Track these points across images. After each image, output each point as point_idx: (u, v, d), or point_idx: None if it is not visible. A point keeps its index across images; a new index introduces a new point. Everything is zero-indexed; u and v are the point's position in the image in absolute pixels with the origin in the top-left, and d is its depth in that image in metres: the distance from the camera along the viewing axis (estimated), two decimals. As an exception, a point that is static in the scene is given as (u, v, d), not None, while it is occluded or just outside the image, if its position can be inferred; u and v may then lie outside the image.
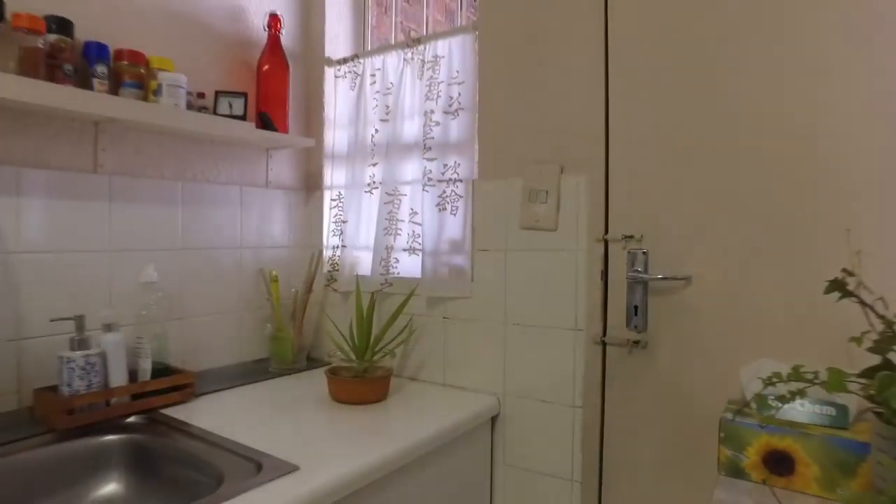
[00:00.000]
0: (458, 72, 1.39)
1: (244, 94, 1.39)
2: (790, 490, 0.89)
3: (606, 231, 1.18)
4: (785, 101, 0.99)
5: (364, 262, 1.57)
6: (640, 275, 1.12)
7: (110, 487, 1.04)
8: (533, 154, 1.27)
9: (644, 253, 1.12)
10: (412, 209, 1.46)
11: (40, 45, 1.03)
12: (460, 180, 1.38)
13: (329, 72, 1.66)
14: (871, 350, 0.68)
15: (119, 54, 1.19)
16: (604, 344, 1.18)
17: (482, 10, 1.36)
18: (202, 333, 1.43)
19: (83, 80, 1.13)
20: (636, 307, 1.12)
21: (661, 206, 1.12)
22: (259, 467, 0.91)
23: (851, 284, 0.72)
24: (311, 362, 1.60)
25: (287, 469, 0.90)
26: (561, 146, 1.24)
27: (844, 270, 0.73)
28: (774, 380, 0.72)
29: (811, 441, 0.87)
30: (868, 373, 0.66)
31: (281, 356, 1.52)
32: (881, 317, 0.69)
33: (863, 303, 0.70)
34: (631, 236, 1.15)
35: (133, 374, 1.18)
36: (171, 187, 1.35)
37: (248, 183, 1.54)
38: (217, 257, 1.46)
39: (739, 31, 1.03)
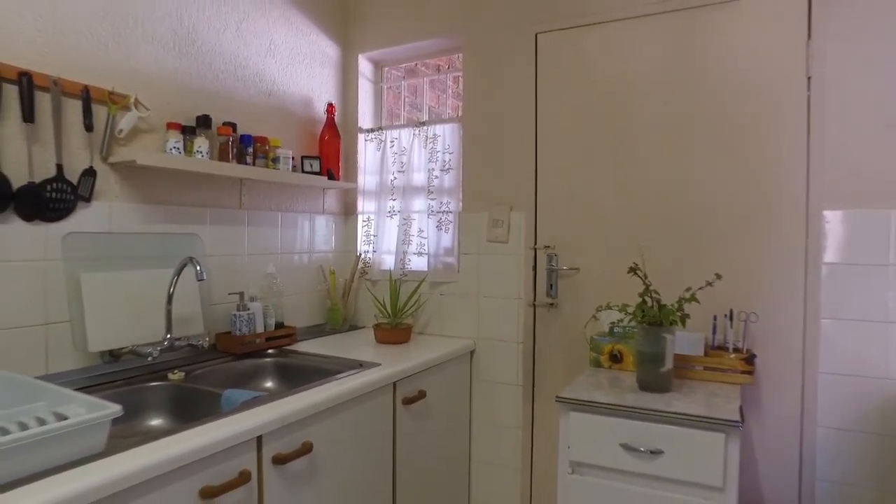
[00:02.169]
0: (449, 145, 2.31)
1: (318, 157, 2.27)
2: (621, 370, 1.84)
3: (535, 243, 2.12)
4: (619, 178, 1.95)
5: (387, 262, 2.46)
6: (553, 267, 2.06)
7: (269, 384, 1.90)
8: (494, 198, 2.20)
9: (555, 255, 2.07)
10: (420, 228, 2.36)
11: (228, 141, 1.88)
12: (451, 212, 2.30)
13: (361, 137, 2.54)
14: (640, 295, 1.63)
15: (256, 139, 2.03)
16: (534, 306, 2.12)
17: (464, 110, 2.27)
18: (290, 305, 2.29)
19: (240, 157, 1.97)
20: (551, 285, 2.07)
21: (564, 230, 2.06)
22: (361, 364, 1.79)
23: (638, 269, 1.66)
24: (352, 327, 2.48)
25: (376, 365, 1.78)
26: (510, 194, 2.17)
27: (634, 263, 1.68)
28: (601, 307, 1.67)
29: (629, 344, 1.83)
30: (637, 305, 1.61)
31: (334, 321, 2.39)
32: (644, 283, 1.64)
33: (638, 276, 1.65)
34: (549, 246, 2.09)
35: (265, 326, 2.04)
36: (275, 216, 2.21)
37: (313, 211, 2.40)
38: (296, 258, 2.32)
39: (610, 130, 1.99)
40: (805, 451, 1.73)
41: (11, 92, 1.39)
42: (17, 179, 1.40)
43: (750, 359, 1.69)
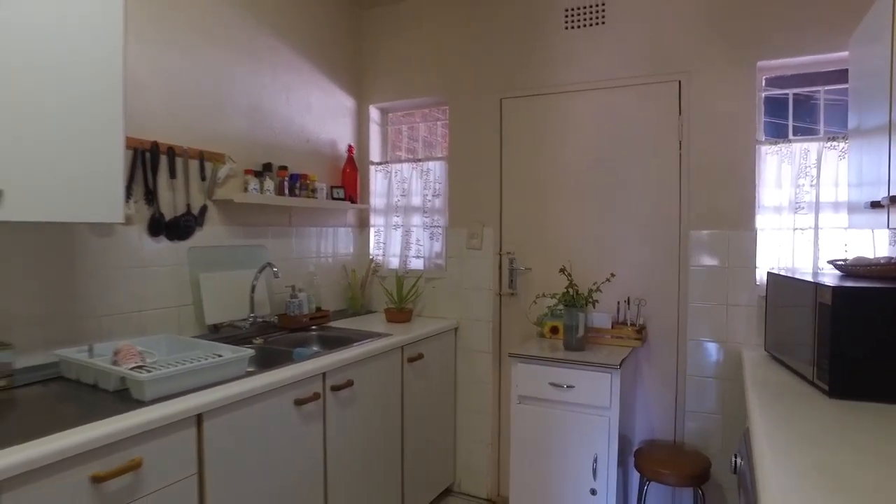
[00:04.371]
0: (438, 177, 3.14)
1: (342, 186, 3.09)
2: (557, 339, 2.69)
3: (500, 250, 2.96)
4: (557, 205, 2.79)
5: (393, 262, 3.29)
6: (513, 267, 2.91)
7: (315, 347, 2.72)
8: (471, 217, 3.03)
9: (514, 258, 2.91)
10: (417, 238, 3.20)
11: (284, 180, 2.70)
12: (440, 226, 3.13)
13: (372, 168, 3.37)
14: (566, 288, 2.47)
15: (301, 176, 2.85)
16: (500, 295, 2.97)
17: (449, 151, 3.10)
18: (324, 295, 3.11)
19: (291, 191, 2.78)
20: (511, 280, 2.91)
21: (520, 241, 2.90)
22: (379, 334, 2.62)
23: (565, 270, 2.50)
24: (367, 311, 3.31)
25: (390, 335, 2.61)
26: (483, 214, 3.00)
27: (563, 266, 2.52)
28: (538, 295, 2.52)
29: (560, 321, 2.67)
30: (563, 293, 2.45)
31: (354, 307, 3.22)
32: (568, 279, 2.47)
33: (565, 274, 2.49)
34: (510, 252, 2.93)
35: (308, 309, 2.85)
36: (313, 230, 3.03)
37: (337, 225, 3.22)
38: (326, 261, 3.14)
39: (552, 170, 2.83)
40: (679, 392, 2.59)
41: (163, 159, 2.20)
42: (168, 214, 2.22)
43: (640, 329, 2.54)
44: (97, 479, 1.33)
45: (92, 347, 1.77)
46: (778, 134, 2.53)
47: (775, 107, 2.57)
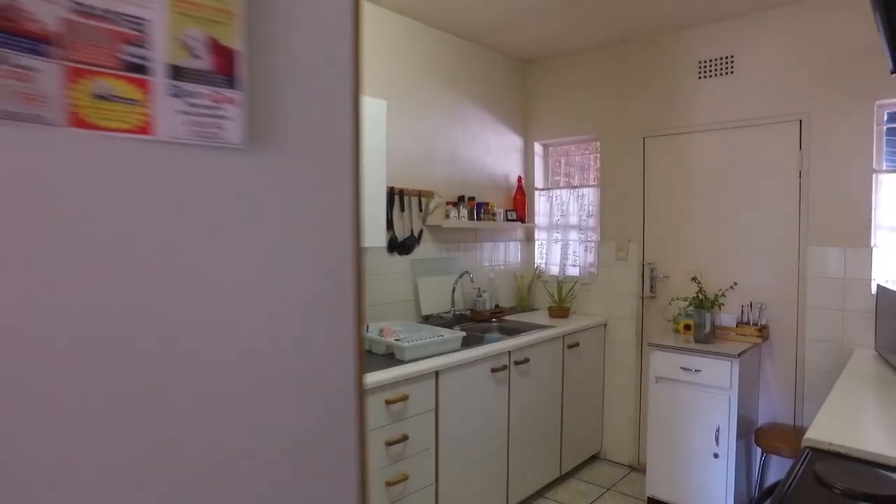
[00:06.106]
0: (591, 200, 3.86)
1: (514, 210, 3.94)
2: (690, 335, 3.29)
3: (643, 260, 3.61)
4: (689, 223, 3.39)
5: (553, 270, 4.07)
6: (654, 274, 3.56)
7: (495, 335, 3.60)
8: (619, 234, 3.72)
9: (654, 267, 3.56)
10: (574, 250, 3.95)
11: (473, 208, 3.61)
12: (592, 241, 3.86)
13: (536, 193, 4.18)
14: (696, 293, 3.08)
15: (484, 204, 3.73)
16: (642, 298, 3.63)
17: (600, 180, 3.81)
18: (500, 295, 3.98)
19: (478, 216, 3.68)
20: (652, 285, 3.56)
21: (660, 253, 3.54)
22: (544, 327, 3.42)
23: (696, 278, 3.11)
24: (531, 309, 4.13)
25: (553, 327, 3.41)
26: (628, 231, 3.68)
27: (694, 275, 3.13)
28: (673, 298, 3.15)
29: (692, 320, 3.27)
30: (693, 297, 3.07)
31: (522, 305, 4.05)
32: (698, 286, 3.08)
33: (696, 282, 3.09)
34: (651, 262, 3.58)
35: (490, 306, 3.74)
36: (490, 244, 3.91)
37: (509, 240, 4.08)
38: (501, 268, 4.01)
39: (686, 195, 3.44)
40: (798, 383, 3.08)
41: (396, 199, 3.20)
42: (399, 237, 3.22)
43: (761, 329, 3.07)
44: (388, 402, 2.30)
45: (368, 325, 2.79)
46: (896, 163, 2.91)
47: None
